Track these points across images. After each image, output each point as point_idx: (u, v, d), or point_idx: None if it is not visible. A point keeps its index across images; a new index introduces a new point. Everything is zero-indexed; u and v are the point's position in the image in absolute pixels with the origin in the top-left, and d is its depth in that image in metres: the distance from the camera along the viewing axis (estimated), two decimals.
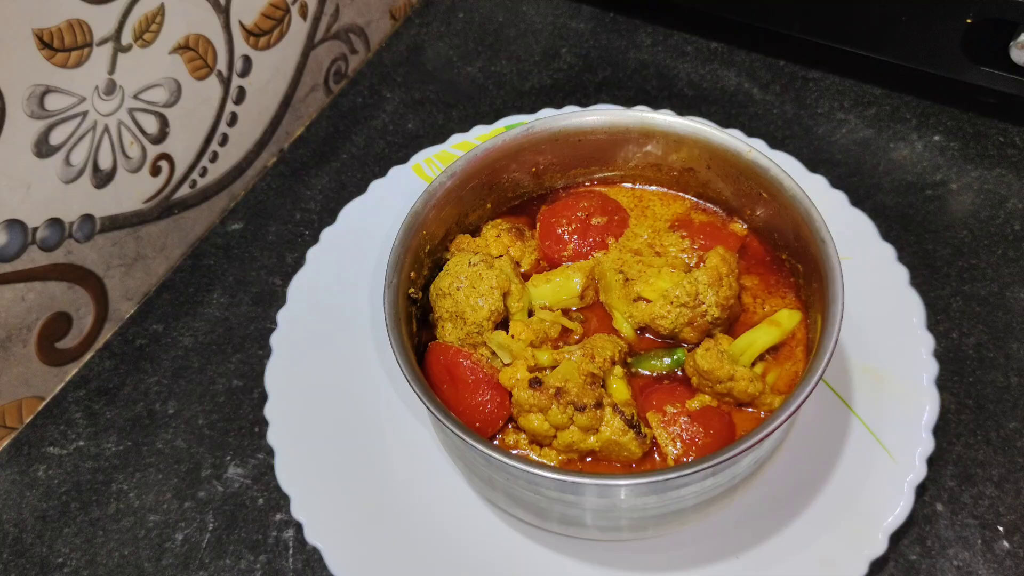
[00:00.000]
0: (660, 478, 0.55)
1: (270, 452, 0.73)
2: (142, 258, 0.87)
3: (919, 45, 0.88)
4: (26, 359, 0.79)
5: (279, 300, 0.81)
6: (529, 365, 0.63)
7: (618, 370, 0.65)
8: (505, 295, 0.67)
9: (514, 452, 0.64)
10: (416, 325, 0.69)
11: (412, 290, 0.68)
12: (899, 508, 0.66)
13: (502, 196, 0.76)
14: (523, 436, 0.64)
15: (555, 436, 0.62)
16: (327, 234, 0.83)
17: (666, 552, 0.67)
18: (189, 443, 0.78)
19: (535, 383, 0.61)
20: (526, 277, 0.72)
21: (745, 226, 0.73)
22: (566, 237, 0.73)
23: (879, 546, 0.65)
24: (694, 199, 0.75)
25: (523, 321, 0.67)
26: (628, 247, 0.73)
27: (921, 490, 0.67)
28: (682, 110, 0.93)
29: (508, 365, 0.64)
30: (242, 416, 0.79)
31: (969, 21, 0.84)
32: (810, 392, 0.57)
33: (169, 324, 0.86)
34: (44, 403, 0.82)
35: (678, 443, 0.63)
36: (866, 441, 0.69)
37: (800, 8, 0.94)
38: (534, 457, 0.64)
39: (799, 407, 0.57)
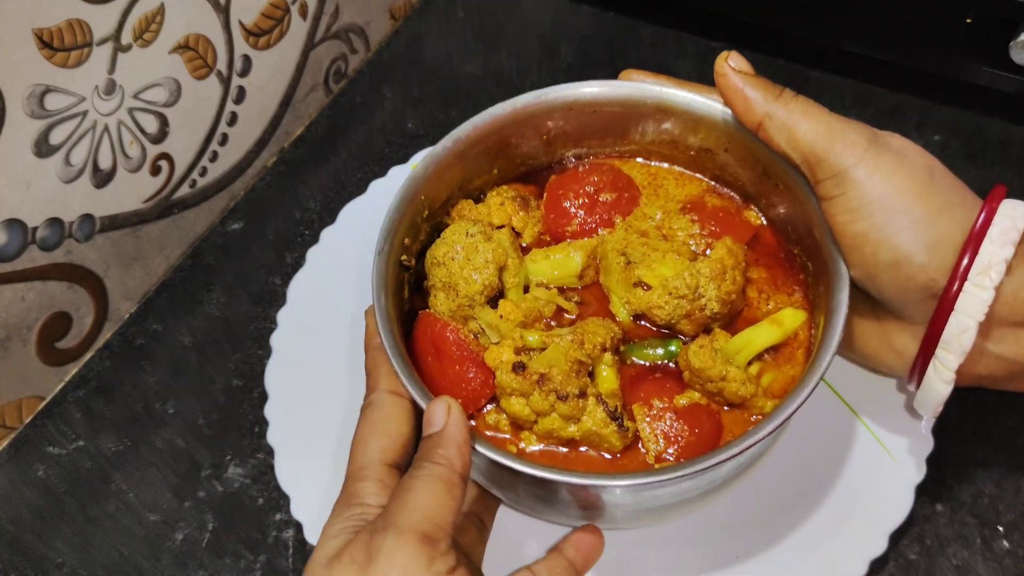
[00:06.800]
0: (630, 482, 0.54)
1: (270, 452, 0.73)
2: (142, 258, 0.87)
3: (919, 45, 0.89)
4: (26, 359, 0.79)
5: (279, 300, 0.82)
6: (517, 346, 0.61)
7: (608, 357, 0.63)
8: (501, 269, 0.65)
9: (490, 434, 0.63)
10: (409, 291, 0.67)
11: (405, 257, 0.66)
12: (899, 508, 0.66)
13: (510, 162, 0.72)
14: (505, 417, 0.63)
15: (536, 421, 0.61)
16: (327, 234, 0.83)
17: (665, 552, 0.67)
18: (188, 442, 0.78)
19: (519, 367, 0.60)
20: (527, 250, 0.69)
21: (761, 215, 0.70)
22: (572, 211, 0.70)
23: (879, 546, 0.65)
24: (710, 181, 0.72)
25: (513, 301, 0.65)
26: (635, 227, 0.70)
27: (921, 489, 0.67)
28: None
29: (496, 344, 0.63)
30: (242, 416, 0.79)
31: (969, 21, 0.84)
32: (797, 408, 0.55)
33: (169, 323, 0.86)
34: (44, 403, 0.82)
35: (661, 440, 0.61)
36: (866, 441, 0.69)
37: (800, 8, 0.94)
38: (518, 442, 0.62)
39: (784, 423, 0.55)
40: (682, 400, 0.62)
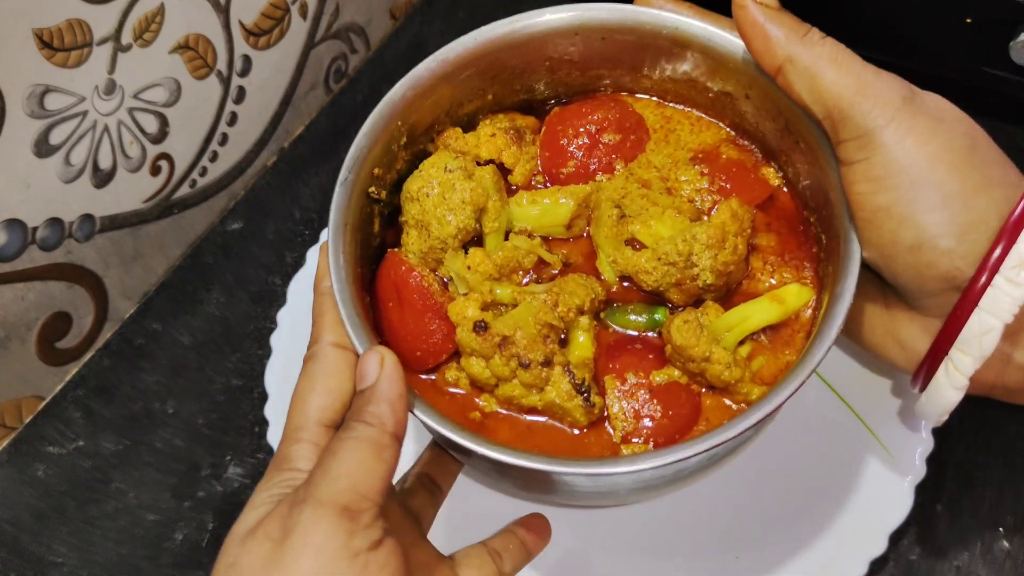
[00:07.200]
0: (579, 470, 0.49)
1: (270, 452, 0.73)
2: (141, 257, 0.87)
3: (919, 45, 0.88)
4: (26, 358, 0.79)
5: (279, 299, 0.81)
6: (485, 301, 0.56)
7: (586, 321, 0.57)
8: (480, 212, 0.59)
9: (451, 391, 0.58)
10: (382, 225, 0.62)
11: (374, 189, 0.60)
12: (899, 508, 0.66)
13: (507, 88, 0.65)
14: (465, 375, 0.57)
15: (497, 385, 0.56)
16: (327, 234, 0.83)
17: (662, 551, 0.67)
18: (188, 442, 0.78)
19: (480, 327, 0.54)
20: (516, 191, 0.63)
21: (780, 174, 0.62)
22: (571, 150, 0.63)
23: (879, 546, 0.65)
24: (729, 131, 0.65)
25: (486, 250, 0.59)
26: (637, 175, 0.63)
27: (921, 490, 0.67)
28: None
29: (464, 295, 0.57)
30: (242, 416, 0.79)
31: (969, 21, 0.84)
32: (782, 403, 0.49)
33: (168, 323, 0.86)
34: (44, 403, 0.82)
35: (631, 419, 0.55)
36: (866, 441, 0.69)
37: (799, 9, 0.93)
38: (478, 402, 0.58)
39: (765, 418, 0.49)
40: (659, 377, 0.56)
